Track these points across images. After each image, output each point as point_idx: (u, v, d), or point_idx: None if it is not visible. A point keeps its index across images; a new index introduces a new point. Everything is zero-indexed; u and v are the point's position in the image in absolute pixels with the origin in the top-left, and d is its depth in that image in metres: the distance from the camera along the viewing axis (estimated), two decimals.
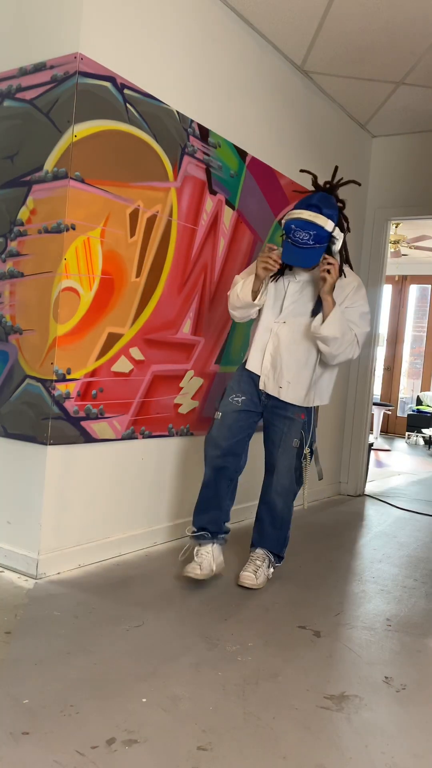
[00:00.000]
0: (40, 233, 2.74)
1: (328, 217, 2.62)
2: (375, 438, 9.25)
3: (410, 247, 8.77)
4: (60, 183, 2.67)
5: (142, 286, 3.06)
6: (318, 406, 2.91)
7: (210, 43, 3.34)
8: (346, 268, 2.83)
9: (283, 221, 2.67)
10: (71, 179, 2.66)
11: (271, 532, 2.91)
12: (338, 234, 2.67)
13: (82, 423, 2.82)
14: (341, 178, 2.76)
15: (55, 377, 2.68)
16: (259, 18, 3.53)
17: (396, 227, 8.25)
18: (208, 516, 2.84)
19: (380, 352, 11.00)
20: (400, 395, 10.96)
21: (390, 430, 11.01)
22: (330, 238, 2.65)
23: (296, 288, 2.80)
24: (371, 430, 8.63)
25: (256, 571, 2.83)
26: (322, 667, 2.16)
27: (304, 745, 1.71)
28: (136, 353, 3.06)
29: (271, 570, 2.93)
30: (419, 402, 10.22)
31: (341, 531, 4.01)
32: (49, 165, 2.70)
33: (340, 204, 2.74)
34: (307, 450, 2.80)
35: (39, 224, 2.74)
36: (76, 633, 2.25)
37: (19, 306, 2.81)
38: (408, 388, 11.02)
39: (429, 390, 10.62)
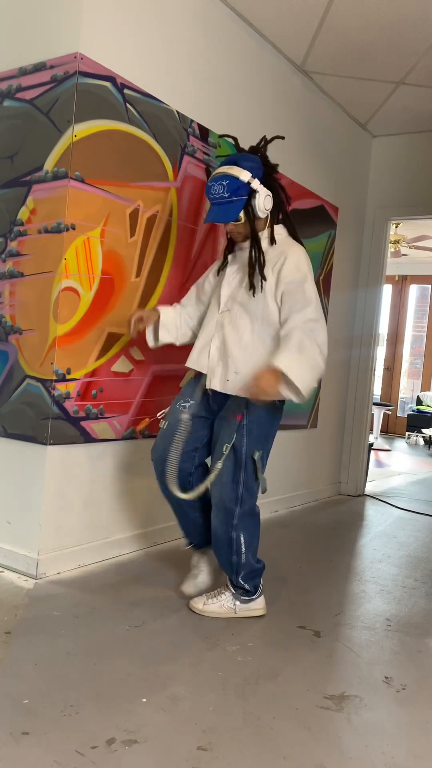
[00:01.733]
0: (40, 233, 2.74)
1: (246, 168, 2.36)
2: (375, 438, 9.24)
3: (410, 247, 8.77)
4: (60, 183, 2.67)
5: (142, 286, 3.06)
6: (278, 407, 2.51)
7: (210, 43, 3.34)
8: (277, 232, 2.51)
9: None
10: (71, 179, 2.65)
11: (216, 553, 2.54)
12: (258, 186, 2.36)
13: (82, 423, 2.82)
14: (264, 137, 2.52)
15: (55, 377, 2.68)
16: (259, 18, 3.53)
17: (396, 227, 8.25)
18: (184, 529, 2.66)
19: (380, 352, 11.00)
20: (400, 395, 10.96)
21: (390, 430, 11.01)
22: (249, 190, 2.36)
23: (232, 272, 2.54)
24: (371, 430, 8.64)
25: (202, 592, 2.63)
26: (322, 667, 2.16)
27: (304, 745, 1.70)
28: (136, 353, 3.06)
29: (236, 603, 2.50)
30: (419, 402, 10.22)
31: (341, 531, 4.01)
32: (49, 165, 2.70)
33: (266, 167, 2.45)
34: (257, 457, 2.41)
35: (39, 224, 2.74)
36: (76, 633, 2.24)
37: (19, 306, 2.81)
38: (408, 388, 11.02)
39: (429, 390, 10.62)
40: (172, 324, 2.72)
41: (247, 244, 2.50)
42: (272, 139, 2.51)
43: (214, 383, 2.46)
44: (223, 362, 2.45)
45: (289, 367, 2.26)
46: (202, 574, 2.67)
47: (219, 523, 2.44)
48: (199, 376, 2.56)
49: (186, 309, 2.75)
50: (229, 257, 2.58)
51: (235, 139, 2.62)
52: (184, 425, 2.50)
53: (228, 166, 2.38)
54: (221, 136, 2.73)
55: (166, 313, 2.72)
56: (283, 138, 2.45)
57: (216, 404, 2.52)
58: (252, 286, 2.42)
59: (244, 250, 2.53)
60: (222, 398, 2.49)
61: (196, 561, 2.70)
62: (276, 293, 2.42)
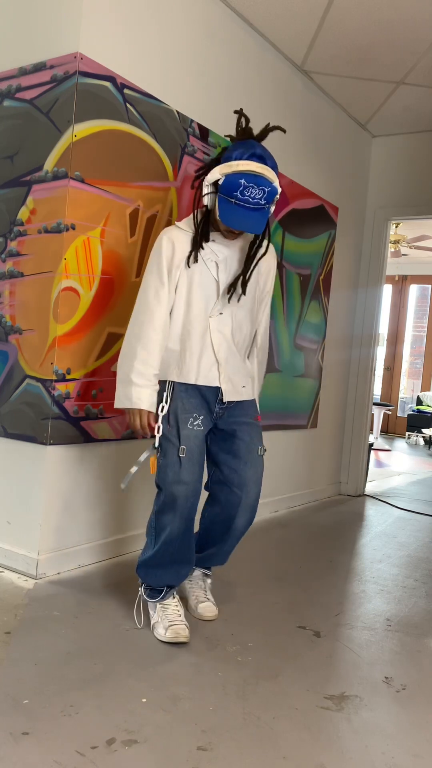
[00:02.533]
0: (40, 233, 2.74)
1: (275, 172, 2.13)
2: (375, 438, 9.24)
3: (410, 247, 8.77)
4: (60, 183, 2.67)
5: None
6: None
7: (210, 42, 3.34)
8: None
9: (218, 175, 2.11)
10: (71, 179, 2.66)
11: (228, 550, 2.45)
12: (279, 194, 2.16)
13: (82, 423, 2.82)
14: (268, 124, 2.26)
15: (54, 377, 2.68)
16: (259, 18, 3.54)
17: (396, 227, 8.25)
18: (175, 572, 2.31)
19: (380, 352, 11.00)
20: (400, 395, 10.96)
21: (390, 430, 11.01)
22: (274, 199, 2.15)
23: (227, 263, 2.27)
24: (371, 430, 8.64)
25: (208, 596, 2.53)
26: (322, 667, 2.16)
27: (304, 745, 1.70)
28: None
29: (210, 582, 2.52)
30: (419, 402, 10.22)
31: (341, 531, 4.01)
32: (49, 165, 2.70)
33: None
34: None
35: (39, 224, 2.74)
36: (76, 633, 2.24)
37: (19, 306, 2.81)
38: (408, 388, 11.02)
39: (429, 390, 10.62)
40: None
41: (235, 242, 2.28)
42: (274, 128, 2.23)
43: (232, 395, 2.30)
44: (233, 371, 2.32)
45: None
46: (183, 620, 2.34)
47: (245, 521, 2.36)
48: (195, 387, 2.28)
49: (166, 330, 2.29)
50: (209, 253, 2.24)
51: (246, 119, 2.25)
52: (201, 444, 2.28)
53: (263, 166, 2.08)
54: (236, 112, 2.33)
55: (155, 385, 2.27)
56: (284, 131, 2.19)
57: (223, 411, 2.35)
58: (233, 291, 2.27)
59: (229, 247, 2.27)
60: (232, 403, 2.36)
61: (171, 608, 2.34)
62: (263, 300, 2.44)
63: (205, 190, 2.17)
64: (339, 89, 4.32)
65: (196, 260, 2.22)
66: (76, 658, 2.06)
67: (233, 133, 3.53)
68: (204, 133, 3.32)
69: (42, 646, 2.12)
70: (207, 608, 2.46)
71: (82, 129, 2.67)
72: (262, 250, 2.32)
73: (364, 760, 1.67)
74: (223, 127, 3.47)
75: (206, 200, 2.18)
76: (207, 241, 2.23)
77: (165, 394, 2.27)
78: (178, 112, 3.15)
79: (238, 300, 2.31)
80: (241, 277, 2.27)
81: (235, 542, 2.42)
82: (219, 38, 3.40)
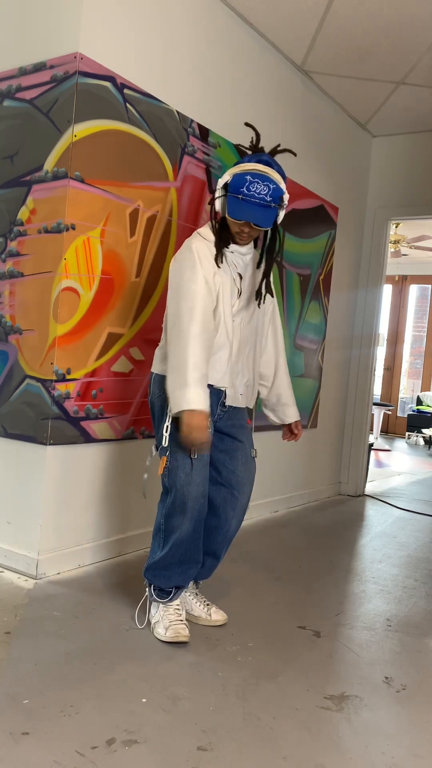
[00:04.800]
0: (40, 233, 2.74)
1: (282, 177, 2.22)
2: (375, 438, 9.24)
3: (410, 247, 8.77)
4: (60, 183, 2.67)
5: (142, 286, 3.06)
6: None
7: (210, 42, 3.34)
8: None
9: (228, 177, 2.19)
10: (71, 179, 2.66)
11: (213, 565, 2.46)
12: (286, 199, 2.23)
13: (82, 423, 2.82)
14: (278, 145, 2.34)
15: (55, 377, 2.68)
16: (259, 18, 3.54)
17: (396, 227, 8.25)
18: (183, 573, 2.31)
19: (380, 352, 11.00)
20: (400, 395, 10.96)
21: (390, 430, 11.01)
22: (281, 202, 2.21)
23: (246, 270, 2.34)
24: (371, 430, 8.64)
25: (210, 603, 2.50)
26: (322, 667, 2.16)
27: (304, 746, 1.70)
28: (136, 353, 3.06)
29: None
30: (419, 402, 10.22)
31: (341, 531, 4.01)
32: (49, 165, 2.70)
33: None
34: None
35: (39, 224, 2.74)
36: (76, 633, 2.24)
37: (19, 306, 2.81)
38: (408, 388, 11.02)
39: (429, 390, 10.62)
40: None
41: (246, 250, 2.33)
42: (283, 150, 2.31)
43: (240, 401, 2.36)
44: (241, 378, 2.36)
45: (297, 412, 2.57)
46: (184, 620, 2.35)
47: (237, 522, 2.40)
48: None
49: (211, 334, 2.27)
50: (231, 264, 2.31)
51: (257, 134, 2.34)
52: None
53: (267, 168, 2.18)
54: (246, 125, 2.39)
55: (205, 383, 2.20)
56: (295, 154, 2.29)
57: (224, 414, 2.36)
58: (260, 296, 2.34)
59: (241, 255, 2.33)
60: (232, 408, 2.38)
61: (175, 607, 2.34)
62: (274, 309, 2.53)
63: (217, 194, 2.23)
64: (339, 89, 4.32)
65: (221, 261, 2.26)
66: (76, 658, 2.06)
67: (233, 132, 3.54)
68: (204, 133, 3.32)
69: (42, 646, 2.12)
70: (217, 612, 2.45)
71: (82, 129, 2.67)
72: (274, 252, 2.34)
73: (364, 760, 1.67)
74: (223, 127, 3.47)
75: (218, 204, 2.24)
76: (228, 246, 2.28)
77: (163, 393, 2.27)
78: (178, 112, 3.15)
79: (250, 308, 2.36)
80: (261, 286, 2.33)
81: (227, 549, 2.44)
82: (219, 38, 3.40)
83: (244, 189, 2.15)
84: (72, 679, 1.93)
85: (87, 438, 2.85)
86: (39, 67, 2.74)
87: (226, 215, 2.21)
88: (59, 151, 2.67)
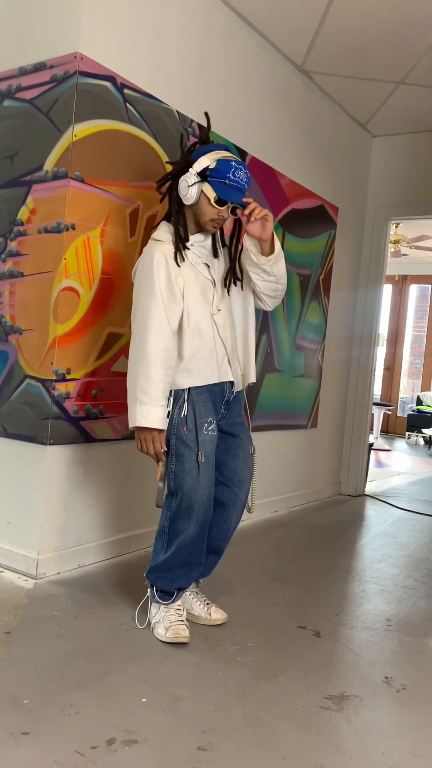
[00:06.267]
0: (40, 233, 2.74)
1: None
2: (375, 438, 9.24)
3: (410, 247, 8.77)
4: (60, 183, 2.67)
5: None
6: None
7: (210, 42, 3.34)
8: None
9: (208, 161, 2.24)
10: (71, 179, 2.65)
11: (214, 561, 2.47)
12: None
13: (82, 423, 2.82)
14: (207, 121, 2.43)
15: (54, 377, 2.68)
16: (259, 18, 3.53)
17: (396, 227, 8.25)
18: (185, 575, 2.31)
19: (380, 352, 11.00)
20: (400, 395, 10.96)
21: (390, 430, 11.01)
22: None
23: (219, 266, 2.40)
24: (371, 430, 8.64)
25: (210, 602, 2.50)
26: (322, 667, 2.16)
27: (304, 745, 1.70)
28: None
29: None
30: (419, 402, 10.22)
31: (341, 531, 4.01)
32: (49, 165, 2.70)
33: None
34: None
35: (39, 224, 2.74)
36: (76, 633, 2.24)
37: (19, 306, 2.81)
38: (408, 388, 11.02)
39: (429, 390, 10.62)
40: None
41: (203, 237, 2.34)
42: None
43: (238, 387, 2.41)
44: (239, 364, 2.43)
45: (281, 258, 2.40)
46: (184, 620, 2.36)
47: (236, 519, 2.42)
48: (207, 391, 2.29)
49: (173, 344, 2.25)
50: (194, 256, 2.32)
51: (207, 118, 2.42)
52: (214, 449, 2.29)
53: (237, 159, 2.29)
54: (205, 113, 2.45)
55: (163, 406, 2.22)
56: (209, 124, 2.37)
57: (226, 411, 2.39)
58: (238, 280, 2.40)
59: (204, 248, 2.35)
60: (231, 405, 2.41)
61: (176, 608, 2.34)
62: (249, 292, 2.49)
63: (192, 180, 2.24)
64: (339, 89, 4.32)
65: (183, 259, 2.27)
66: (76, 658, 2.06)
67: (233, 132, 3.55)
68: (204, 133, 3.32)
69: (42, 646, 2.12)
70: (217, 611, 2.45)
71: (82, 129, 2.67)
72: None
73: (364, 760, 1.67)
74: (223, 127, 3.47)
75: (192, 191, 2.25)
76: (188, 240, 2.31)
77: (181, 400, 2.26)
78: (178, 112, 3.15)
79: (228, 293, 2.40)
80: (230, 270, 2.38)
81: (226, 544, 2.44)
82: (219, 38, 3.40)
83: (231, 175, 2.23)
84: (72, 679, 1.93)
85: (87, 438, 2.85)
86: (39, 67, 2.74)
87: (209, 202, 2.25)
88: (59, 151, 2.67)
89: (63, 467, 2.78)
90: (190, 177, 2.24)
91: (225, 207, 2.26)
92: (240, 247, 2.40)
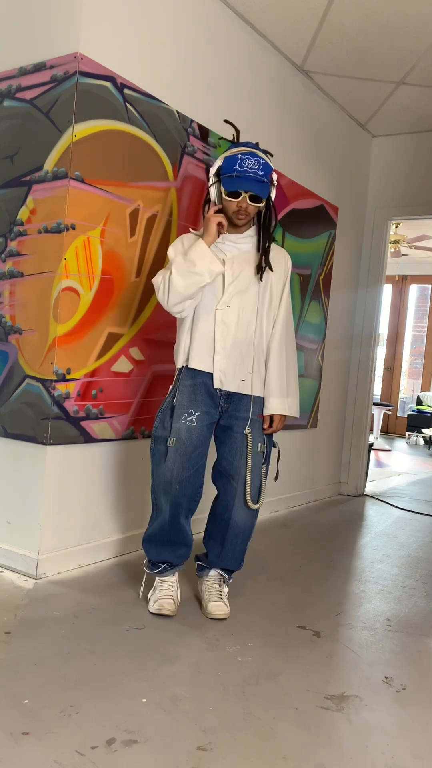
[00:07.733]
0: (40, 233, 2.74)
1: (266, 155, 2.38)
2: (375, 438, 9.24)
3: (410, 247, 8.76)
4: (60, 183, 2.67)
5: (142, 286, 3.06)
6: None
7: (210, 42, 3.34)
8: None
9: (219, 162, 2.34)
10: (71, 179, 2.65)
11: (231, 548, 2.52)
12: (275, 178, 2.41)
13: (82, 423, 2.82)
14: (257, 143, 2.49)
15: (55, 377, 2.68)
16: (259, 18, 3.53)
17: (396, 227, 8.25)
18: (172, 551, 2.47)
19: (380, 352, 11.00)
20: (401, 395, 10.96)
21: (390, 430, 11.01)
22: (270, 179, 2.37)
23: (234, 262, 2.43)
24: (371, 430, 8.64)
25: (222, 596, 2.55)
26: (322, 667, 2.16)
27: (304, 745, 1.70)
28: (136, 353, 3.06)
29: (227, 590, 2.60)
30: (419, 402, 10.22)
31: (341, 531, 4.01)
32: (49, 165, 2.70)
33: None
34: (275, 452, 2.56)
35: (39, 224, 2.74)
36: (76, 633, 2.24)
37: (19, 306, 2.81)
38: (408, 388, 11.02)
39: (429, 390, 10.62)
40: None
41: (242, 235, 2.43)
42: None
43: (227, 383, 2.42)
44: (235, 363, 2.43)
45: (291, 406, 2.49)
46: (174, 593, 2.52)
47: (246, 516, 2.49)
48: (197, 376, 2.42)
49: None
50: (217, 252, 2.41)
51: (237, 131, 2.50)
52: (195, 438, 2.40)
53: (253, 148, 2.33)
54: (225, 121, 2.51)
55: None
56: (272, 155, 2.41)
57: (227, 404, 2.46)
58: (261, 271, 2.43)
59: (236, 242, 2.43)
60: (234, 398, 2.46)
61: (168, 581, 2.52)
62: (282, 289, 2.51)
63: (211, 182, 2.39)
64: (339, 89, 4.32)
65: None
66: (76, 658, 2.06)
67: (229, 136, 3.54)
68: (204, 133, 3.32)
69: (42, 646, 2.12)
70: (217, 607, 2.48)
71: (82, 129, 2.67)
72: (271, 242, 2.45)
73: (364, 760, 1.67)
74: (223, 127, 3.47)
75: (212, 191, 2.40)
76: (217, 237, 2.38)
77: (174, 391, 2.44)
78: (178, 112, 3.15)
79: (246, 295, 2.43)
80: (261, 260, 2.42)
81: (237, 540, 2.50)
82: (219, 38, 3.40)
83: (237, 166, 2.30)
84: (72, 679, 1.93)
85: (87, 438, 2.85)
86: (39, 67, 2.74)
87: (224, 197, 2.34)
88: (59, 151, 2.67)
89: (63, 467, 2.78)
90: (211, 177, 2.39)
91: (241, 198, 2.32)
92: (267, 243, 2.43)
